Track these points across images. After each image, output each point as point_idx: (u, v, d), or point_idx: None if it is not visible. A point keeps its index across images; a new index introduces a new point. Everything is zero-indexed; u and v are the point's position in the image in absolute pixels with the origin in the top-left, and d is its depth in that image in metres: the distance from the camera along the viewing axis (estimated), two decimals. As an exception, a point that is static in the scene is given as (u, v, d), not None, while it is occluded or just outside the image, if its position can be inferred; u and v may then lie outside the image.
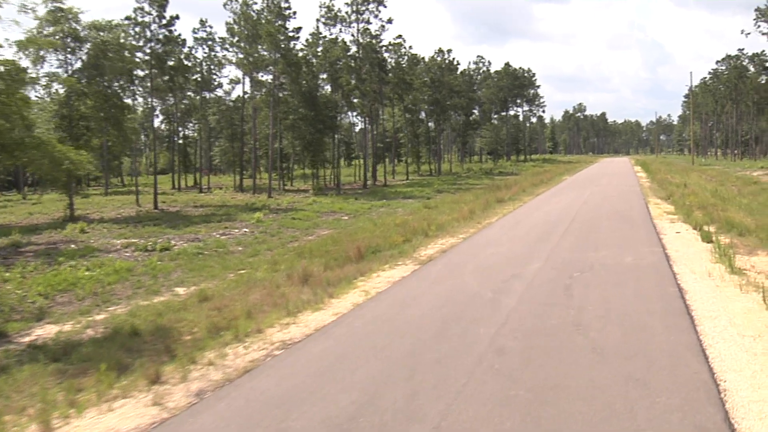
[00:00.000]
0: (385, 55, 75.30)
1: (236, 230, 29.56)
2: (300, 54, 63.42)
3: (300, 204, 44.65)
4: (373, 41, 69.26)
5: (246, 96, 66.75)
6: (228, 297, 13.04)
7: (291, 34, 60.19)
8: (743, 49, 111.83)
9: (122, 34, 42.69)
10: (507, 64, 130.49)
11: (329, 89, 70.81)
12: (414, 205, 39.63)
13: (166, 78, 57.55)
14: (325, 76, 68.73)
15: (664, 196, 30.65)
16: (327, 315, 10.68)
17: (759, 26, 79.42)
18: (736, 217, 21.90)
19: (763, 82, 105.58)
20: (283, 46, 58.12)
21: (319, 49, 68.19)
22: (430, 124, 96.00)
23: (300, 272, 14.53)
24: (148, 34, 50.43)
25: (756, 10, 78.47)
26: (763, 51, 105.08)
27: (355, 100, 71.59)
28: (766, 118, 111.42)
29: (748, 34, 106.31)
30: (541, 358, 7.64)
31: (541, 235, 18.50)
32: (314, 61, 66.98)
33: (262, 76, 62.27)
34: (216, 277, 16.94)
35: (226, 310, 11.57)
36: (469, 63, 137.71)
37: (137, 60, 46.92)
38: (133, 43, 47.57)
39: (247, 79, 64.59)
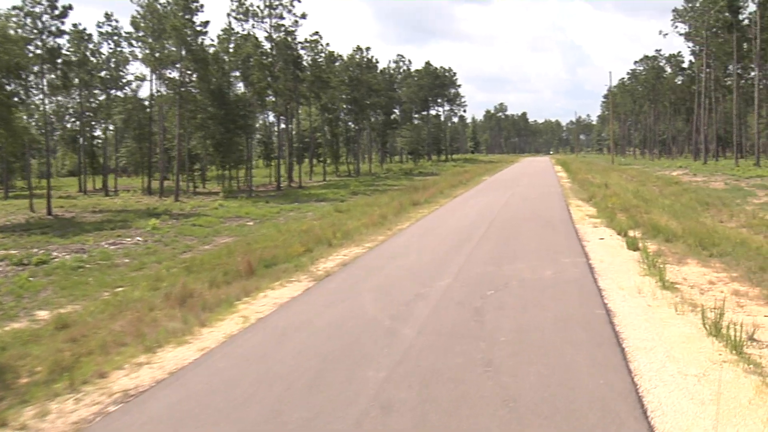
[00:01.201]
0: (302, 52, 73.69)
1: (128, 239, 27.34)
2: (210, 50, 61.08)
3: (205, 208, 42.45)
4: (288, 38, 67.33)
5: (155, 94, 63.75)
6: (91, 324, 11.03)
7: (198, 28, 57.66)
8: (660, 50, 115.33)
9: (11, 25, 39.37)
10: (428, 63, 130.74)
11: (243, 87, 68.52)
12: (325, 209, 37.99)
13: (60, 74, 54.01)
14: (238, 73, 66.40)
15: (586, 197, 29.93)
16: (191, 351, 8.85)
17: (676, 27, 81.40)
18: (661, 220, 21.13)
19: (679, 82, 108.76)
20: (190, 41, 55.54)
21: (232, 45, 65.85)
22: (349, 123, 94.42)
23: (179, 292, 12.63)
24: (40, 25, 47.02)
25: (673, 10, 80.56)
26: (680, 52, 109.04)
27: (268, 99, 69.40)
28: (682, 118, 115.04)
29: (666, 34, 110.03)
30: (438, 418, 6.03)
31: (455, 243, 17.07)
32: (226, 58, 64.63)
33: (170, 73, 59.52)
34: (88, 296, 14.97)
35: (82, 341, 9.64)
36: (389, 62, 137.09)
37: (26, 53, 43.40)
38: (23, 35, 44.23)
39: (155, 77, 61.71)
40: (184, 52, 55.67)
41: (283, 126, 75.72)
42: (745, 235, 17.72)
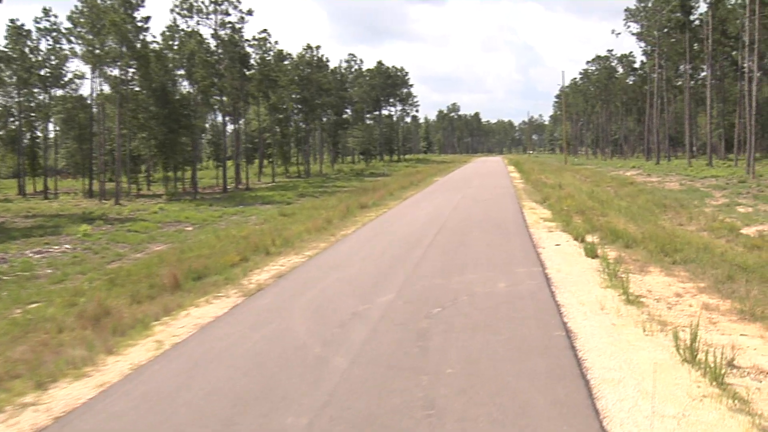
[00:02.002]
0: (249, 50, 72.11)
1: (57, 247, 25.59)
2: (154, 47, 59.20)
3: (144, 212, 40.66)
4: (234, 35, 65.60)
5: (97, 93, 61.40)
6: (-11, 349, 9.61)
7: (139, 24, 55.74)
8: (612, 50, 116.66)
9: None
10: (379, 63, 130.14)
11: (188, 86, 66.59)
12: (270, 212, 36.62)
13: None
14: (183, 72, 64.45)
15: (540, 199, 29.16)
16: (87, 387, 7.54)
17: (629, 26, 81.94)
18: (619, 223, 20.38)
19: (630, 83, 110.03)
20: (131, 37, 53.57)
21: (177, 43, 63.95)
22: (300, 123, 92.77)
23: (94, 309, 11.26)
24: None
25: (626, 10, 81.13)
26: (631, 52, 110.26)
27: (213, 98, 67.54)
28: (634, 118, 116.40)
29: (618, 34, 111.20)
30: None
31: (401, 251, 15.96)
32: (171, 55, 62.68)
33: (112, 71, 57.31)
34: (-4, 314, 13.37)
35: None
36: (341, 61, 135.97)
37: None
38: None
39: (96, 75, 59.34)
40: (124, 49, 53.76)
41: (227, 126, 73.93)
42: (707, 239, 17.04)
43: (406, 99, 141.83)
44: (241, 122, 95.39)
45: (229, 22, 65.03)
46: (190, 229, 32.04)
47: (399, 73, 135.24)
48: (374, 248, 16.87)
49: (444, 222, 21.67)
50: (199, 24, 64.00)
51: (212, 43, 64.58)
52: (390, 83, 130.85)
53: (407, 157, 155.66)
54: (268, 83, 75.82)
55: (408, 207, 29.08)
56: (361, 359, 7.80)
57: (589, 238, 16.97)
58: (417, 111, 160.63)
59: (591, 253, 14.38)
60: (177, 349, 8.86)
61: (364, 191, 43.14)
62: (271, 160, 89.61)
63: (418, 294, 11.11)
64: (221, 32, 64.45)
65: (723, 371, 6.92)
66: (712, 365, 6.97)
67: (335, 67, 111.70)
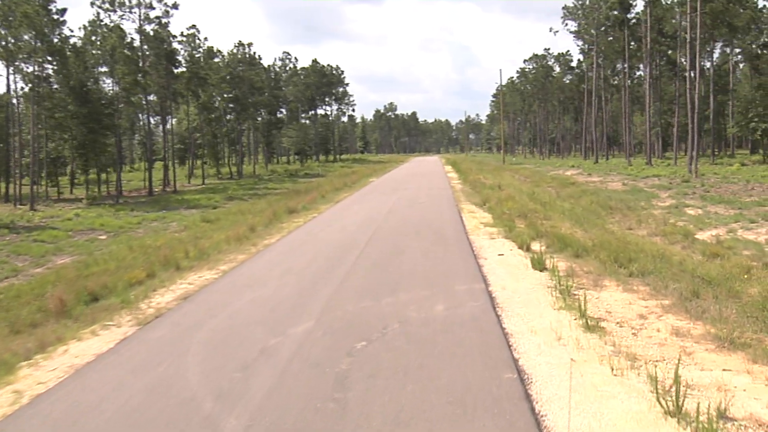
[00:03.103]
0: (178, 47, 69.37)
1: (-48, 261, 23.35)
2: (73, 42, 56.23)
3: (58, 219, 38.15)
4: (160, 30, 62.85)
5: (14, 91, 57.94)
6: None
7: (55, 17, 52.70)
8: (549, 49, 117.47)
9: None
10: (314, 61, 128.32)
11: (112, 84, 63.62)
12: (193, 218, 34.63)
13: None
14: (106, 69, 61.47)
15: (479, 201, 27.87)
16: None
17: (566, 24, 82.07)
18: (563, 227, 19.20)
19: (567, 81, 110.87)
20: (46, 31, 50.55)
21: (99, 38, 60.99)
22: (233, 123, 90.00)
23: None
24: None
25: (564, 8, 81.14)
26: (568, 51, 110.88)
27: (136, 97, 64.59)
28: (571, 116, 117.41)
29: (557, 32, 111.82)
30: None
31: (327, 264, 14.29)
32: (93, 51, 59.60)
33: (27, 67, 53.96)
34: None
35: None
36: (276, 59, 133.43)
37: None
38: None
39: (11, 71, 55.87)
40: (39, 44, 50.64)
41: (151, 126, 70.92)
42: (661, 245, 15.90)
43: (342, 98, 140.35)
44: (173, 121, 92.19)
45: (156, 17, 62.37)
46: (103, 237, 29.94)
47: (335, 72, 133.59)
48: (297, 261, 15.14)
49: (377, 228, 20.09)
50: (123, 18, 61.16)
51: (137, 38, 61.80)
52: (325, 82, 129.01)
53: (343, 157, 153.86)
54: (198, 81, 73.14)
55: (340, 211, 27.42)
56: (260, 421, 6.11)
57: (534, 246, 15.66)
58: (353, 110, 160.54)
59: (538, 264, 12.99)
60: (35, 405, 7.05)
61: (295, 193, 41.43)
62: (205, 161, 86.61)
63: (341, 321, 9.47)
64: (146, 27, 61.69)
65: (717, 427, 5.53)
66: (704, 419, 5.58)
67: (269, 66, 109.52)
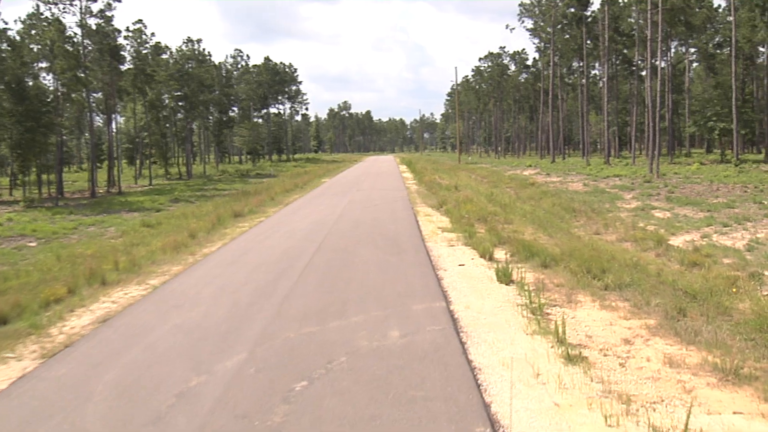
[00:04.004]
0: (124, 42, 66.83)
1: None
2: (9, 35, 53.44)
3: (-13, 224, 35.67)
4: (104, 24, 60.35)
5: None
6: None
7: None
8: (504, 47, 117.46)
9: None
10: (267, 59, 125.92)
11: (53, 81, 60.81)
12: (133, 222, 32.56)
13: None
14: (47, 64, 58.74)
15: (436, 203, 26.67)
16: None
17: (523, 21, 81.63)
18: (527, 232, 18.07)
19: (523, 80, 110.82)
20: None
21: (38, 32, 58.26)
22: (182, 122, 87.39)
23: None
24: None
25: (520, 5, 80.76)
26: (524, 49, 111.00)
27: (77, 94, 61.88)
28: (526, 115, 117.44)
29: (513, 29, 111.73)
30: None
31: (269, 278, 12.85)
32: (32, 46, 56.87)
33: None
34: None
35: None
36: (227, 56, 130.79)
37: None
38: None
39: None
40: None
41: (91, 125, 68.10)
42: (633, 252, 14.83)
43: (296, 96, 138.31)
44: (120, 120, 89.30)
45: (100, 10, 59.80)
46: (33, 245, 27.88)
47: (287, 70, 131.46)
48: (237, 274, 13.65)
49: (327, 234, 18.69)
50: (64, 12, 58.44)
51: (79, 32, 59.16)
52: (278, 80, 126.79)
53: (297, 156, 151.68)
54: (144, 78, 70.57)
55: (289, 215, 25.91)
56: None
57: (498, 254, 14.48)
58: (307, 109, 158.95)
59: (504, 277, 11.77)
60: None
61: (244, 195, 39.70)
62: (155, 161, 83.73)
63: (279, 353, 8.07)
64: (89, 21, 59.14)
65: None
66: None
67: (220, 63, 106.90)
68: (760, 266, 12.97)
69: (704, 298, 10.35)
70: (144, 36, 74.17)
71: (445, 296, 10.70)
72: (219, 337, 8.91)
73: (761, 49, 65.58)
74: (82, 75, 58.12)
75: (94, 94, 65.00)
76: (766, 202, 23.56)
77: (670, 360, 7.52)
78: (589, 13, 69.25)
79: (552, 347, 7.92)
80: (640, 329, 8.82)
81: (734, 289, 10.64)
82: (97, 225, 33.76)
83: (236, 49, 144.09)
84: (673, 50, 70.65)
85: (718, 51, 74.56)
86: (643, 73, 63.42)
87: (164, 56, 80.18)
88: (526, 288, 10.73)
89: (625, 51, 71.61)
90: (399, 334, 8.62)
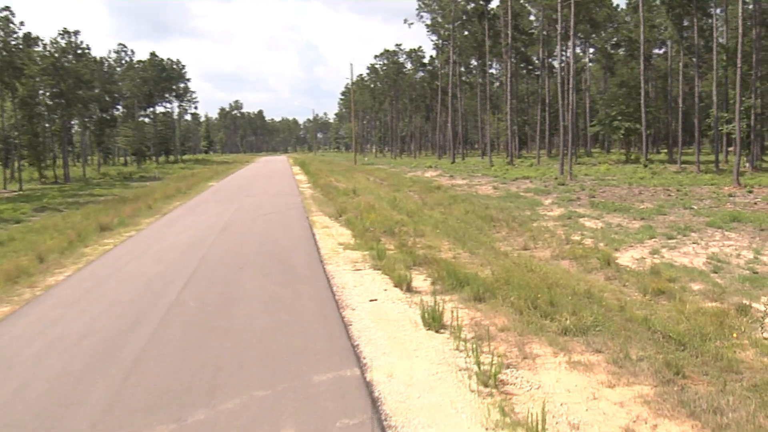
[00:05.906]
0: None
1: None
2: None
3: None
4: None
5: None
6: None
7: None
8: (401, 45, 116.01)
9: None
10: (153, 54, 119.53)
11: None
12: (-23, 238, 28.19)
13: None
14: None
15: (334, 212, 23.85)
16: None
17: (422, 16, 79.98)
18: (443, 247, 15.55)
19: (419, 78, 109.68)
20: None
21: None
22: (58, 120, 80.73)
23: None
24: None
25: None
26: (420, 47, 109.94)
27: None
28: (422, 115, 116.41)
29: (411, 24, 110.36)
30: None
31: (118, 329, 9.63)
32: None
33: None
34: None
35: None
36: (110, 51, 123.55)
37: None
38: None
39: None
40: None
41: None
42: (578, 275, 12.46)
43: (184, 94, 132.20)
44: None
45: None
46: None
47: (175, 66, 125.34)
48: (77, 322, 10.31)
49: (204, 256, 15.49)
50: None
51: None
52: (165, 77, 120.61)
53: (186, 157, 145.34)
54: (13, 72, 64.45)
55: (164, 227, 22.43)
56: None
57: (416, 281, 11.82)
58: (197, 108, 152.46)
59: (433, 322, 9.04)
60: None
61: (121, 202, 35.59)
62: (31, 163, 76.81)
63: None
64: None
65: None
66: None
67: (101, 58, 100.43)
68: (739, 294, 10.80)
69: (694, 345, 8.00)
70: (12, 25, 67.98)
71: (357, 356, 7.85)
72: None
73: (656, 51, 66.32)
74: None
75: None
76: (696, 207, 22.01)
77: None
78: (491, 8, 68.18)
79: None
80: (637, 405, 6.37)
81: (734, 334, 8.34)
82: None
83: (120, 44, 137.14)
84: (574, 48, 70.61)
85: (613, 51, 75.13)
86: (539, 72, 62.78)
87: (37, 48, 74.02)
88: (466, 342, 8.09)
89: (523, 49, 71.00)
90: (294, 430, 5.73)
